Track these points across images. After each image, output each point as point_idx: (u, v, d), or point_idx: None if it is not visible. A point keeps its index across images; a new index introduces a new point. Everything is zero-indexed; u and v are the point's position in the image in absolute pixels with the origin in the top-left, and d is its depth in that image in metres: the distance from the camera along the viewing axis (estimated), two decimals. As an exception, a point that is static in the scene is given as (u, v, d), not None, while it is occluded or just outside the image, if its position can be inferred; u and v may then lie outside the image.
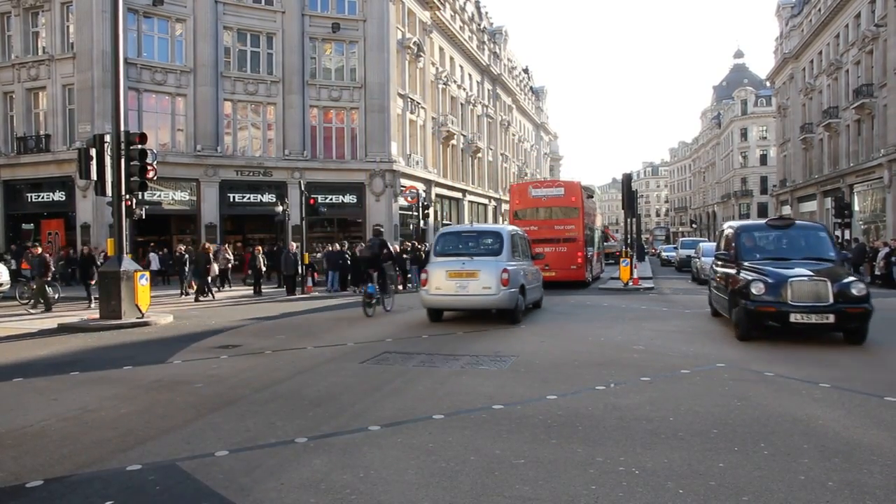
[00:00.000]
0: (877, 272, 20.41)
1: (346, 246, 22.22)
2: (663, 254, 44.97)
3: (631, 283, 20.05)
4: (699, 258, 22.14)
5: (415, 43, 31.65)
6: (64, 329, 11.50)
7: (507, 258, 11.29)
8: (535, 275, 13.14)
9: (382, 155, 28.73)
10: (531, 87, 68.10)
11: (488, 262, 11.06)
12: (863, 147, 33.84)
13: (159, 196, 25.09)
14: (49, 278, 15.44)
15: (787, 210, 48.96)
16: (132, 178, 12.37)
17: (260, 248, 21.24)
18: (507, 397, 5.96)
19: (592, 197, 26.38)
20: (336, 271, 20.96)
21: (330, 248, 22.49)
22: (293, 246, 20.33)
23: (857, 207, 33.93)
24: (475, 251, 11.52)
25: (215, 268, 18.88)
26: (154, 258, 23.10)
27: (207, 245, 18.93)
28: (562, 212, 20.50)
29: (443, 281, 10.93)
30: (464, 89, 40.94)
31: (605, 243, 30.72)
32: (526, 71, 67.05)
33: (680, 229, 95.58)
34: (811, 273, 8.67)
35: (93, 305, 15.14)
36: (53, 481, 4.00)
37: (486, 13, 49.97)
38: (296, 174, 26.87)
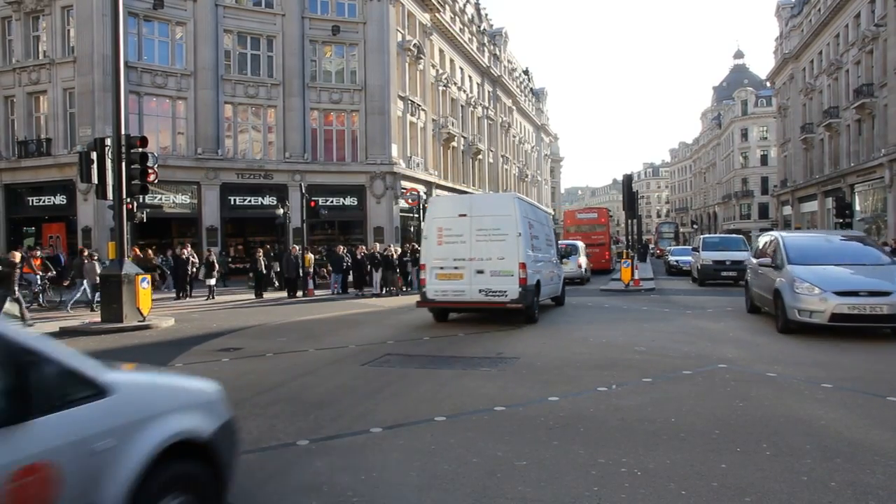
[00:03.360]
0: None
1: (345, 249, 22.20)
2: (671, 258, 31.41)
3: (632, 285, 20.07)
4: (772, 269, 10.57)
5: (415, 45, 31.68)
6: (65, 332, 11.51)
7: (580, 255, 23.63)
8: (587, 263, 25.33)
9: (383, 157, 28.74)
10: (531, 89, 68.14)
11: (572, 257, 22.13)
12: (863, 147, 33.80)
13: (160, 199, 25.11)
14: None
15: (787, 211, 48.95)
16: (133, 182, 12.37)
17: (261, 250, 21.23)
18: (508, 399, 5.96)
19: (612, 215, 40.59)
20: (339, 274, 20.97)
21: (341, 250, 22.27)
22: (295, 249, 20.33)
23: (857, 207, 33.90)
24: (566, 253, 20.90)
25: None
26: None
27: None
28: (595, 227, 31.96)
29: None
30: (464, 91, 40.96)
31: (616, 245, 38.23)
32: (526, 72, 67.08)
33: (681, 230, 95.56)
34: None
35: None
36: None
37: (486, 15, 50.01)
38: (296, 177, 26.88)
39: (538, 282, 11.97)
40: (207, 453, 2.97)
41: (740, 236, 27.21)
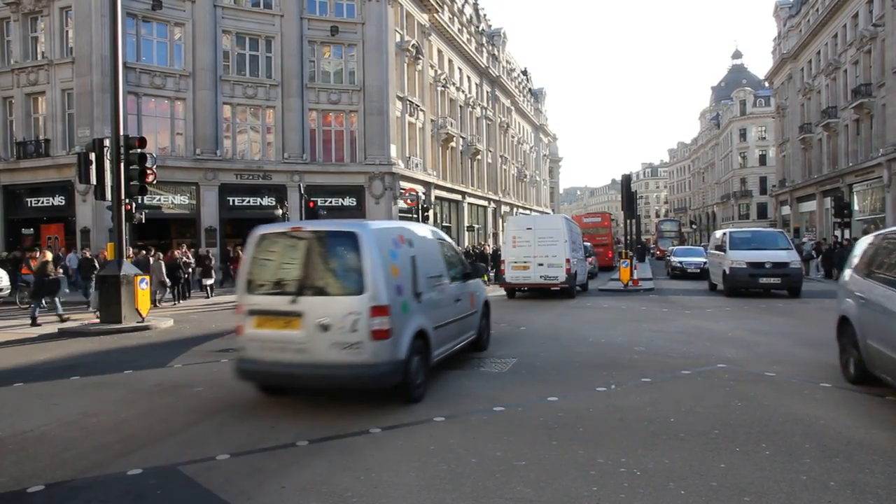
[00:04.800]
0: None
1: None
2: (675, 259, 27.42)
3: (631, 285, 20.07)
4: None
5: (413, 45, 31.67)
6: (64, 334, 11.50)
7: (591, 255, 25.31)
8: (594, 261, 27.08)
9: (382, 157, 28.73)
10: (530, 89, 68.11)
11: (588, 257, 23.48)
12: (862, 147, 33.84)
13: (159, 200, 25.08)
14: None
15: (786, 210, 49.01)
16: (132, 183, 12.36)
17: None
18: (507, 399, 5.96)
19: (614, 219, 46.14)
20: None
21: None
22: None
23: (856, 207, 33.93)
24: (587, 254, 22.78)
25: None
26: (73, 259, 21.00)
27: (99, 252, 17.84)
28: (599, 230, 36.55)
29: None
30: (463, 91, 40.95)
31: (616, 245, 41.11)
32: (525, 73, 67.06)
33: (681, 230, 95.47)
34: None
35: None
36: (55, 486, 4.00)
37: (485, 15, 50.00)
38: (295, 177, 26.86)
39: (575, 272, 17.50)
40: (488, 306, 9.03)
41: (779, 230, 21.19)
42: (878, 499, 3.55)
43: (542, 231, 17.15)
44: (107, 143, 12.28)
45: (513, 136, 55.43)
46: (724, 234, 18.77)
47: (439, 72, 36.55)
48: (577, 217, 42.03)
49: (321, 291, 5.74)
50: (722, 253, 17.66)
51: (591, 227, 36.75)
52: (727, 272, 16.82)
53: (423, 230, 7.77)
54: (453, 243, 8.57)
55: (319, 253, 6.00)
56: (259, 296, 5.92)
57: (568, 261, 16.69)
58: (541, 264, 16.73)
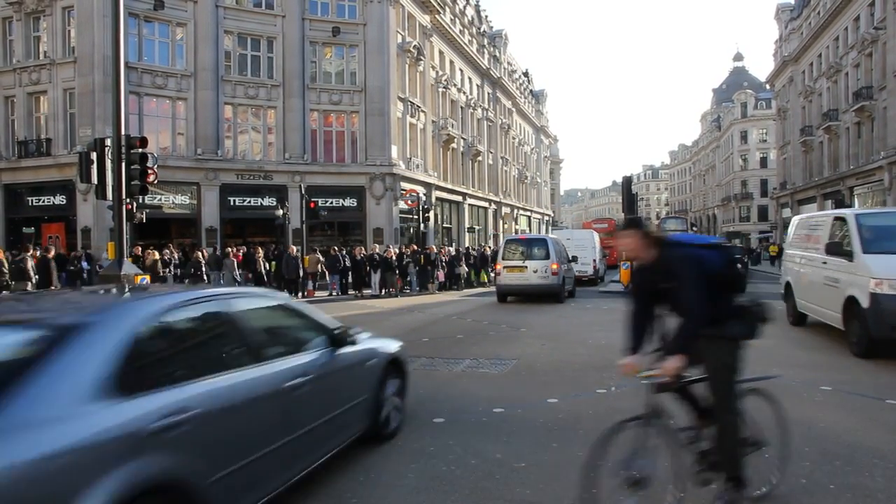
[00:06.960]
0: None
1: (344, 249, 22.22)
2: None
3: (631, 286, 20.11)
4: None
5: (415, 47, 31.68)
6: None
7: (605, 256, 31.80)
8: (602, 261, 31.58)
9: (382, 158, 28.73)
10: (531, 91, 68.11)
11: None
12: (863, 149, 33.84)
13: (160, 200, 25.09)
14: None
15: (787, 213, 48.99)
16: (133, 182, 12.35)
17: (260, 249, 21.19)
18: (507, 400, 5.96)
19: (619, 225, 55.10)
20: (335, 274, 20.94)
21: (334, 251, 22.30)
22: (293, 249, 20.26)
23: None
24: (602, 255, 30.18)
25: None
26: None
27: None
28: (605, 235, 43.50)
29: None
30: (464, 93, 40.96)
31: None
32: (526, 74, 67.06)
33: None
34: None
35: None
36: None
37: (486, 17, 50.02)
38: (296, 178, 26.86)
39: (598, 268, 25.79)
40: (576, 280, 20.37)
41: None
42: (878, 502, 3.55)
43: (577, 241, 25.07)
44: (108, 142, 12.26)
45: (514, 138, 55.43)
46: (840, 220, 9.11)
47: (440, 73, 36.57)
48: (587, 223, 49.90)
49: (533, 258, 16.55)
50: (839, 260, 8.63)
51: (599, 232, 38.49)
52: (865, 304, 7.68)
53: (559, 238, 19.72)
54: (565, 246, 19.45)
55: (532, 245, 17.27)
56: (507, 260, 16.93)
57: (594, 260, 25.13)
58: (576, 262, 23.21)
